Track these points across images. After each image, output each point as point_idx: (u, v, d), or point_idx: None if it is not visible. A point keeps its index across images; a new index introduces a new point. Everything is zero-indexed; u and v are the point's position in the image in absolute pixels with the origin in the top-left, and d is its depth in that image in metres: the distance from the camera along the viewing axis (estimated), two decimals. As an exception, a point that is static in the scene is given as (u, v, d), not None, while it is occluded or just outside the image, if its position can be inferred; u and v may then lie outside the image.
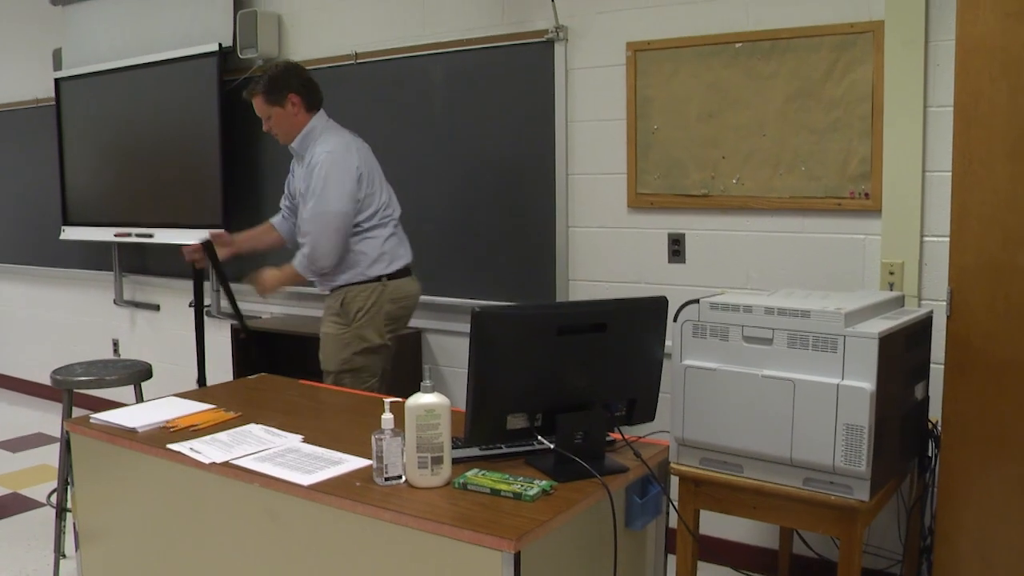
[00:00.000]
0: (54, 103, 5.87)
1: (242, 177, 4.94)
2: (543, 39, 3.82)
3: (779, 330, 2.40)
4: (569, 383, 2.16)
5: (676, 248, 3.63)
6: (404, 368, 4.16)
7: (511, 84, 3.97)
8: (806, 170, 3.29)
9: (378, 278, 3.57)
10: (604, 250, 3.79)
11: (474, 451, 2.22)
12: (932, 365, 2.83)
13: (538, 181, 3.91)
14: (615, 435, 2.29)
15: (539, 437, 2.14)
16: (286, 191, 3.82)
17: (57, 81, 5.84)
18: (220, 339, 4.86)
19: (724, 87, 3.44)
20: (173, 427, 2.51)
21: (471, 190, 4.12)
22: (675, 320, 2.56)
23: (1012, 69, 2.37)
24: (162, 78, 5.17)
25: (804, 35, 3.25)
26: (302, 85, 3.60)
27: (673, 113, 3.56)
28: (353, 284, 3.56)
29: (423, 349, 4.35)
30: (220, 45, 4.82)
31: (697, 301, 2.57)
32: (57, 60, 5.92)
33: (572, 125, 3.82)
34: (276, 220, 3.91)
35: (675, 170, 3.58)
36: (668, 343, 2.39)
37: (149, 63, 5.22)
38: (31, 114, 6.31)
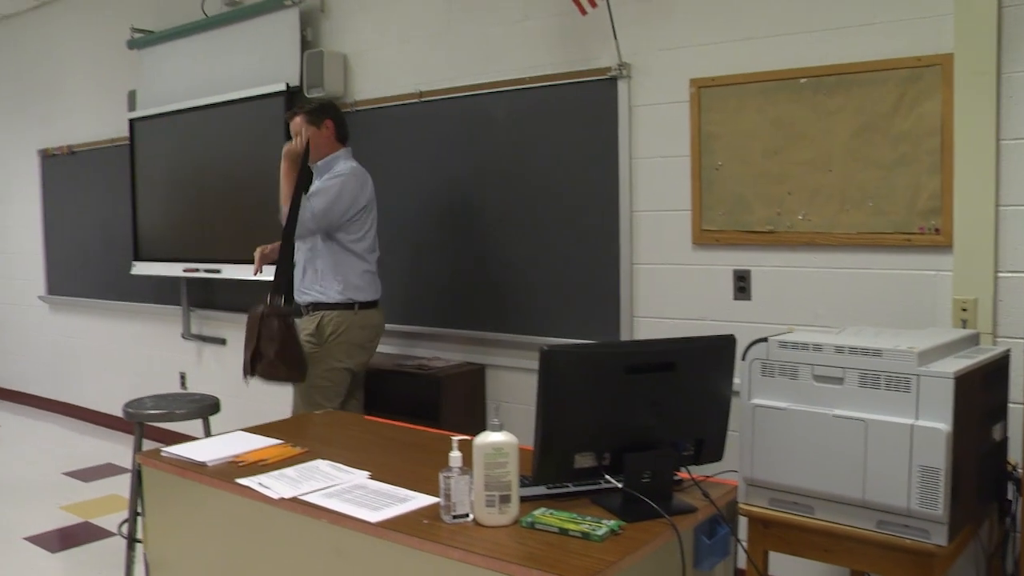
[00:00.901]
0: (128, 143, 6.05)
1: (308, 214, 5.01)
2: (606, 76, 3.84)
3: (850, 369, 2.36)
4: (637, 422, 2.15)
5: (741, 285, 3.59)
6: (466, 403, 4.18)
7: (574, 121, 3.99)
8: (873, 205, 3.24)
9: (351, 304, 3.95)
10: (669, 287, 3.77)
11: (541, 490, 2.21)
12: (1011, 405, 2.75)
13: (601, 218, 3.91)
14: (683, 475, 2.27)
15: (607, 476, 2.13)
16: None
17: (131, 121, 6.02)
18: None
19: (789, 122, 3.41)
20: (242, 462, 2.54)
21: (534, 227, 4.13)
22: (743, 358, 2.53)
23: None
24: (231, 117, 5.29)
25: (870, 69, 3.22)
26: (337, 116, 4.07)
27: (737, 149, 3.55)
28: (329, 308, 3.95)
29: (486, 384, 4.35)
30: (287, 85, 4.93)
31: (765, 339, 2.54)
32: (132, 101, 6.10)
33: (636, 162, 3.82)
34: None
35: (740, 206, 3.55)
36: (736, 381, 2.36)
37: (218, 103, 5.35)
38: (107, 153, 6.51)
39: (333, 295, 3.96)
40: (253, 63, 5.23)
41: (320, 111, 4.01)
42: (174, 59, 5.80)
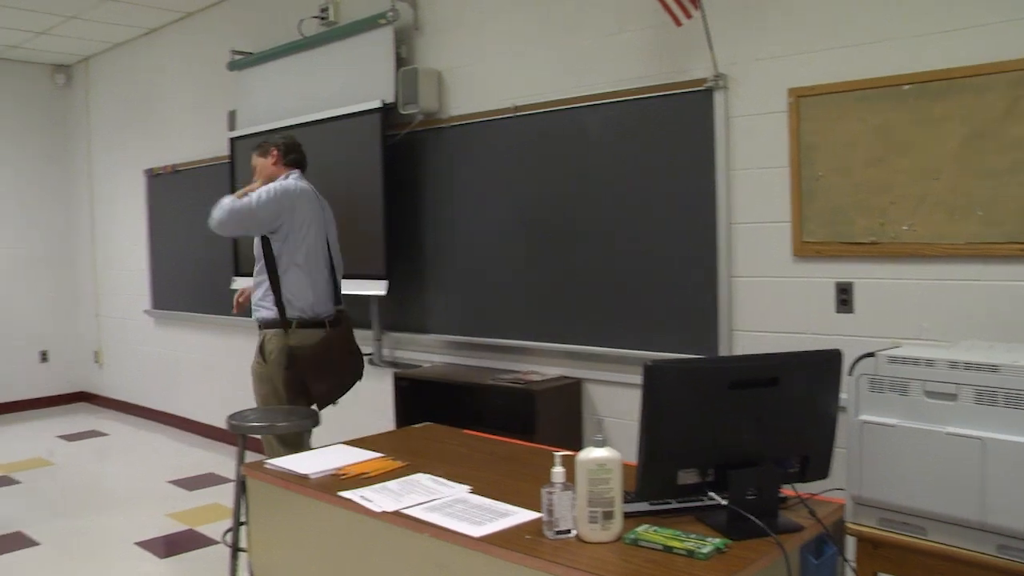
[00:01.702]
0: (228, 161, 6.22)
1: (404, 228, 5.09)
2: (702, 88, 3.80)
3: (965, 385, 2.28)
4: (741, 438, 2.11)
5: (844, 298, 3.51)
6: (562, 417, 4.16)
7: (669, 133, 3.95)
8: (984, 215, 3.13)
9: (286, 323, 4.14)
10: (768, 300, 3.70)
11: (643, 506, 2.18)
12: None
13: (698, 231, 3.86)
14: (788, 492, 2.22)
15: (711, 493, 2.09)
16: None
17: (231, 140, 6.19)
18: (383, 388, 4.99)
19: (892, 131, 3.32)
20: (344, 474, 2.57)
21: (629, 240, 4.10)
22: (850, 373, 2.47)
23: None
24: (327, 135, 5.39)
25: (979, 73, 3.12)
26: (284, 145, 4.44)
27: (838, 159, 3.47)
28: (268, 325, 4.16)
29: (582, 399, 4.33)
30: (383, 102, 5.01)
31: (873, 354, 2.47)
32: (232, 121, 6.28)
33: (733, 173, 3.77)
34: None
35: (841, 217, 3.47)
36: (842, 397, 2.30)
37: (315, 121, 5.46)
38: (208, 171, 6.72)
39: (270, 313, 4.16)
40: (349, 81, 5.33)
41: (265, 143, 4.45)
42: (272, 79, 5.94)
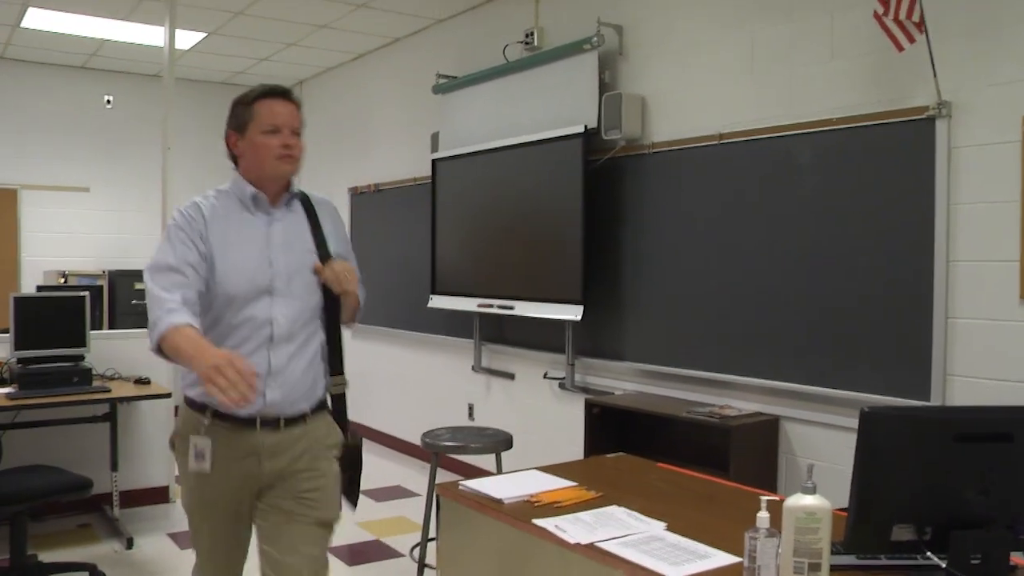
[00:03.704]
0: (430, 181, 6.40)
1: (602, 253, 5.07)
2: (923, 116, 3.59)
3: None
4: (966, 496, 1.95)
5: (1078, 345, 3.22)
6: (758, 455, 4.02)
7: (884, 164, 3.76)
8: None
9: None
10: (989, 345, 3.44)
11: (851, 559, 2.05)
12: None
13: (914, 267, 3.64)
14: (1018, 560, 2.03)
15: (928, 552, 1.94)
16: (193, 264, 2.45)
17: (434, 162, 6.37)
18: (574, 413, 4.98)
19: None
20: (537, 502, 2.55)
21: (838, 274, 3.92)
22: (1091, 432, 2.24)
23: None
24: (528, 158, 5.46)
25: None
26: None
27: (1077, 194, 3.19)
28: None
29: (779, 436, 4.16)
30: (586, 127, 5.02)
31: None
32: (435, 143, 6.47)
33: (954, 208, 3.54)
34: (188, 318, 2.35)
35: (1079, 258, 3.19)
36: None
37: (517, 144, 5.54)
38: (410, 191, 6.94)
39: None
40: (551, 106, 5.37)
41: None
42: (475, 102, 6.08)
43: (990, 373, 3.44)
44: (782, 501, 1.91)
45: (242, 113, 2.55)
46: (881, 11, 3.41)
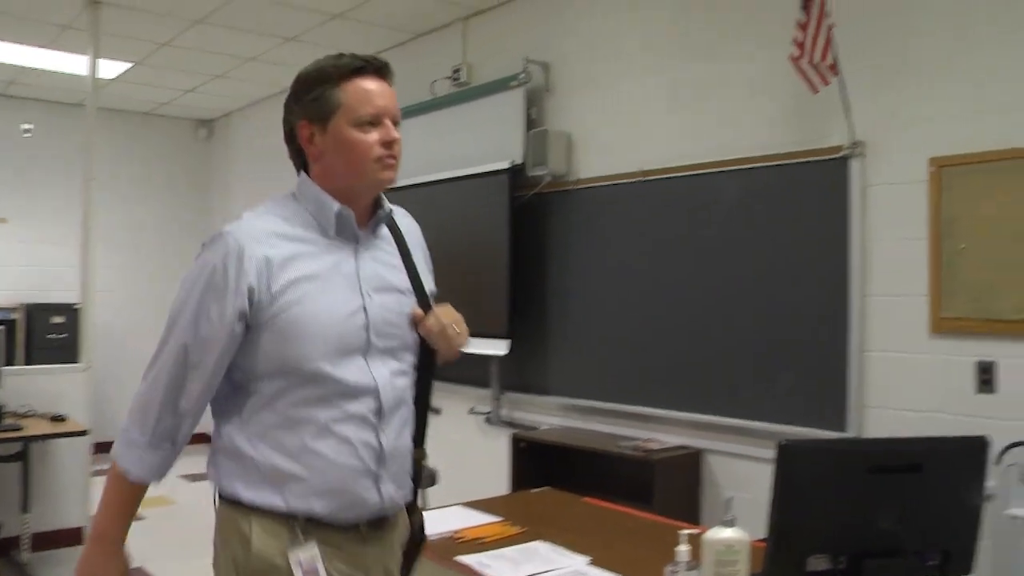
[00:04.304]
0: (357, 215, 6.36)
1: (529, 288, 5.10)
2: (838, 155, 3.71)
3: None
4: (878, 526, 2.00)
5: (985, 377, 3.33)
6: (681, 488, 4.06)
7: (802, 201, 3.87)
8: None
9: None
10: (902, 377, 3.55)
11: (770, 590, 2.09)
12: None
13: (829, 301, 3.74)
14: (929, 587, 2.09)
15: (843, 582, 1.98)
16: (218, 355, 1.78)
17: (361, 195, 6.33)
18: (500, 448, 4.97)
19: (1044, 204, 3.17)
20: (461, 538, 2.55)
21: (757, 309, 4.01)
22: (997, 463, 2.33)
23: None
24: (455, 193, 5.48)
25: None
26: None
27: (983, 231, 3.32)
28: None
29: (702, 469, 4.21)
30: (512, 162, 5.06)
31: (1021, 443, 2.33)
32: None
33: (868, 244, 3.65)
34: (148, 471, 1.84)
35: (985, 293, 3.31)
36: (988, 485, 2.17)
37: (444, 179, 5.55)
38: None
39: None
40: (479, 141, 5.41)
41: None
42: (402, 137, 6.06)
43: (904, 404, 3.54)
44: (704, 533, 1.95)
45: (325, 96, 1.87)
46: (796, 54, 3.52)
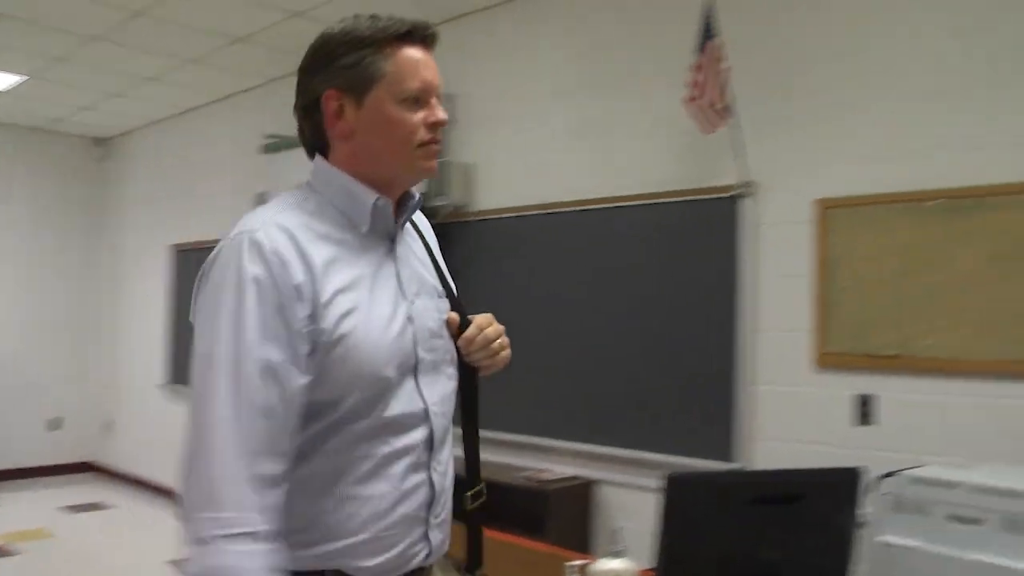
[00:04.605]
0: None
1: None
2: (729, 195, 3.83)
3: (992, 511, 2.22)
4: (760, 556, 2.06)
5: (864, 410, 3.47)
6: (574, 518, 4.09)
7: (695, 238, 3.98)
8: (1012, 332, 3.12)
9: None
10: (788, 409, 3.67)
11: (656, 620, 2.13)
12: None
13: (719, 336, 3.86)
14: (808, 614, 2.15)
15: (727, 611, 2.03)
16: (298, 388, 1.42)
17: (260, 221, 6.25)
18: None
19: (920, 245, 3.33)
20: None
21: (651, 342, 4.10)
22: (872, 491, 2.42)
23: None
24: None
25: (1007, 192, 3.14)
26: None
27: (863, 270, 3.47)
28: None
29: (594, 500, 4.26)
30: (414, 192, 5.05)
31: (894, 473, 2.43)
32: (260, 202, 6.33)
33: (757, 281, 3.78)
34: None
35: (865, 329, 3.46)
36: (863, 513, 2.25)
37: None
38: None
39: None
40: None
41: None
42: (304, 163, 6.01)
43: (789, 436, 3.66)
44: (592, 564, 1.97)
45: (365, 63, 1.51)
46: (691, 96, 3.63)
